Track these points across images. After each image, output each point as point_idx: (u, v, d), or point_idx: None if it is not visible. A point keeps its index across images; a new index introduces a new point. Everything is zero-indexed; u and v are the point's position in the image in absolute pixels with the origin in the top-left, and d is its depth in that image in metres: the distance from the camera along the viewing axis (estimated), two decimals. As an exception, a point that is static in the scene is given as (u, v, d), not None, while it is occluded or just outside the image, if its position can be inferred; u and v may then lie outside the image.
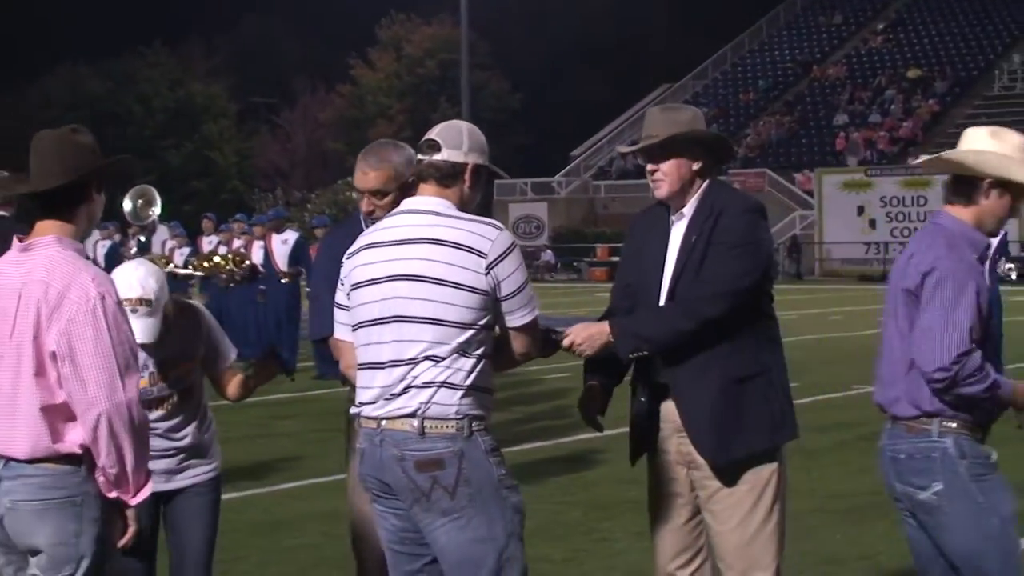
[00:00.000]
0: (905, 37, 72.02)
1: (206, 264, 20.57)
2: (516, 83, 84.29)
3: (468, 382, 4.63)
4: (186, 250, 25.44)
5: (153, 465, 5.63)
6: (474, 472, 4.65)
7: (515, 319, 4.77)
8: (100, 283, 4.49)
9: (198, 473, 5.88)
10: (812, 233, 55.41)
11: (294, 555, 8.66)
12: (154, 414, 5.70)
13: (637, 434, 5.57)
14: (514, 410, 15.29)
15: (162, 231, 27.22)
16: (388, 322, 4.69)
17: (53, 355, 4.39)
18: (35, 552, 4.49)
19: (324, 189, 63.80)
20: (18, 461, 4.46)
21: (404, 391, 4.62)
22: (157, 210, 27.19)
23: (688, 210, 5.41)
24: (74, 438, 4.46)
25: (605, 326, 5.29)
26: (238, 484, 10.25)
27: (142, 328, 5.50)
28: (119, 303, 4.55)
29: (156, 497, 5.64)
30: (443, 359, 4.60)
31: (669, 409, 5.43)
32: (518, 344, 4.82)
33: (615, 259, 53.24)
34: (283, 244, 20.77)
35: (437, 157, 4.92)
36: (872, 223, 54.03)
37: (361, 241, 4.91)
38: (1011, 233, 39.96)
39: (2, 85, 77.68)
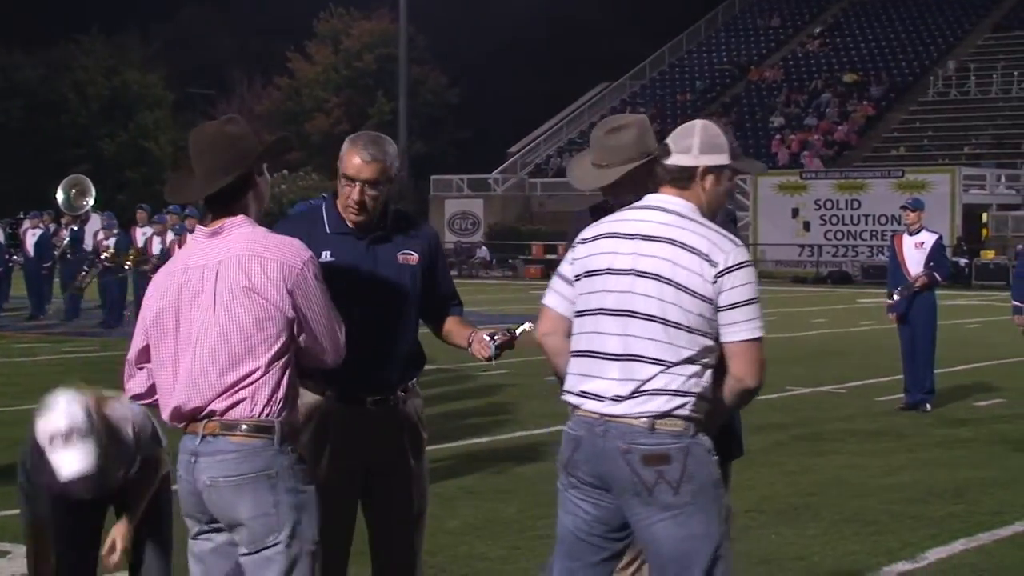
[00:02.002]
0: (842, 41, 72.55)
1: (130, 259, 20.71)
2: (454, 78, 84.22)
3: (693, 386, 4.73)
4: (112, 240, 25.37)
5: None
6: (698, 469, 4.74)
7: (733, 333, 4.76)
8: (301, 245, 4.76)
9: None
10: (747, 235, 55.61)
11: None
12: None
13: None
14: (450, 406, 15.25)
15: (95, 221, 27.05)
16: (618, 315, 4.78)
17: (282, 317, 4.62)
18: (236, 525, 4.63)
19: (260, 181, 63.46)
20: (215, 435, 4.61)
21: (636, 388, 4.72)
22: (91, 200, 27.09)
23: None
24: (274, 406, 4.64)
25: None
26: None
27: (75, 458, 5.11)
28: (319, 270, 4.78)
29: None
30: (671, 362, 4.70)
31: None
32: (735, 364, 4.78)
33: (550, 257, 53.18)
34: None
35: (667, 161, 4.96)
36: (806, 225, 54.30)
37: (601, 228, 4.95)
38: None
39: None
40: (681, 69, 75.42)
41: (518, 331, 5.67)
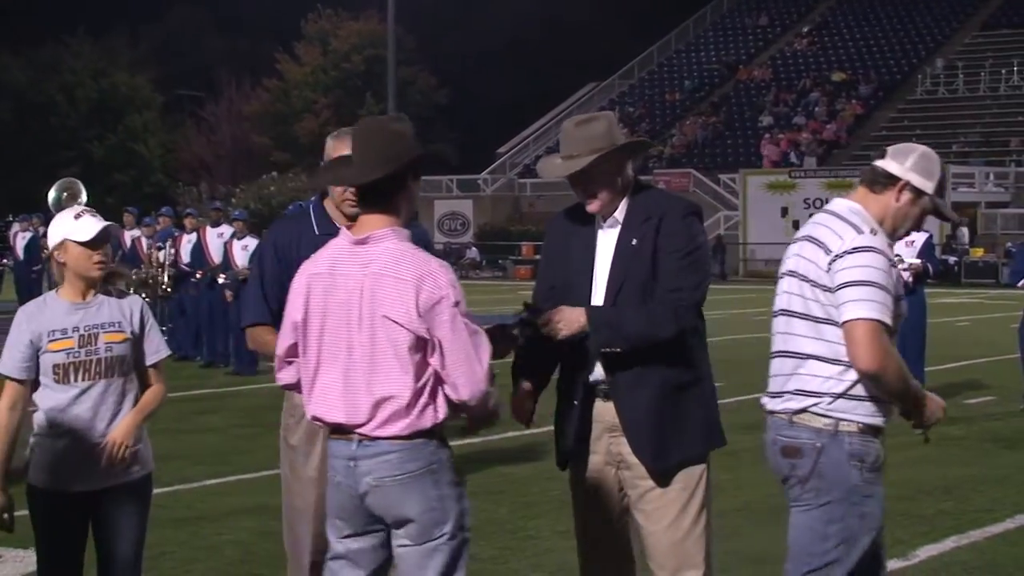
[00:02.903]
0: (830, 40, 72.73)
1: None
2: (443, 79, 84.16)
3: (833, 385, 4.97)
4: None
5: (80, 462, 5.61)
6: (830, 470, 4.97)
7: (840, 313, 4.89)
8: (446, 271, 4.73)
9: (129, 472, 5.71)
10: (736, 234, 55.72)
11: (220, 551, 8.60)
12: (82, 397, 5.61)
13: (568, 435, 5.56)
14: None
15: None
16: (778, 315, 5.18)
17: (417, 340, 4.62)
18: (404, 522, 4.72)
19: (249, 183, 63.45)
20: (372, 439, 4.69)
21: (784, 384, 5.09)
22: (83, 202, 27.05)
23: (620, 215, 5.43)
24: (428, 415, 4.73)
25: (582, 313, 5.31)
26: (162, 479, 10.09)
27: (91, 224, 5.71)
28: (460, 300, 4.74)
29: (85, 497, 5.62)
30: (810, 355, 5.00)
31: (600, 410, 5.46)
32: (847, 347, 4.90)
33: (540, 257, 53.32)
34: (218, 238, 20.48)
35: (878, 162, 5.12)
36: (796, 224, 54.23)
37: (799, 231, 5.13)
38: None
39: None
40: (670, 68, 75.52)
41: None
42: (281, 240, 5.66)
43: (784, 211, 54.42)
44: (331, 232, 5.43)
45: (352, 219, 5.40)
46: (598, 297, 5.41)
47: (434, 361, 4.65)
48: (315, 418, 4.82)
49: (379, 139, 4.76)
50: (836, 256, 4.89)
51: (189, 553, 8.51)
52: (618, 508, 5.53)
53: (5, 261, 31.61)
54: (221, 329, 19.91)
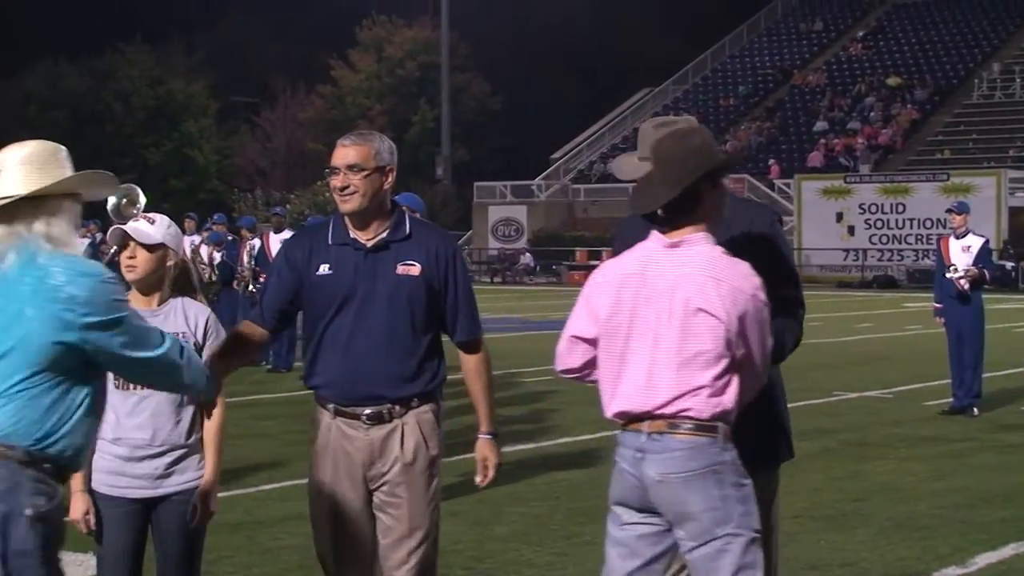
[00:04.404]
0: (885, 45, 72.46)
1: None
2: (496, 85, 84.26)
3: None
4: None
5: (138, 468, 5.64)
6: None
7: None
8: (752, 276, 4.84)
9: (186, 480, 5.72)
10: (792, 239, 55.53)
11: (276, 556, 8.62)
12: (142, 404, 5.61)
13: None
14: (496, 413, 15.20)
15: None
16: None
17: (728, 338, 4.76)
18: (685, 518, 4.80)
19: (304, 189, 63.78)
20: (661, 434, 4.81)
21: None
22: (140, 209, 27.18)
23: None
24: (719, 414, 4.81)
25: None
26: (219, 485, 10.16)
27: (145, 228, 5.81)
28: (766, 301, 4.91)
29: (143, 502, 5.66)
30: None
31: None
32: None
33: (594, 263, 53.20)
34: (280, 244, 20.59)
35: None
36: (851, 230, 54.20)
37: None
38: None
39: (-19, 82, 77.60)
40: (724, 74, 75.48)
41: None
42: (294, 250, 5.69)
43: (839, 216, 54.26)
44: (344, 242, 5.53)
45: (353, 219, 5.52)
46: None
47: (739, 358, 4.83)
48: (616, 412, 4.93)
49: (672, 157, 4.88)
50: None
51: (246, 558, 8.55)
52: None
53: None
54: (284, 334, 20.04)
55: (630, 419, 4.90)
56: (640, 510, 4.90)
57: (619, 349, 4.90)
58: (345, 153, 5.48)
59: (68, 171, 4.39)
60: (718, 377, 4.79)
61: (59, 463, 4.25)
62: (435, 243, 5.57)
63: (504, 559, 8.62)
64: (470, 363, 5.70)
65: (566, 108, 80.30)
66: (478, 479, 5.70)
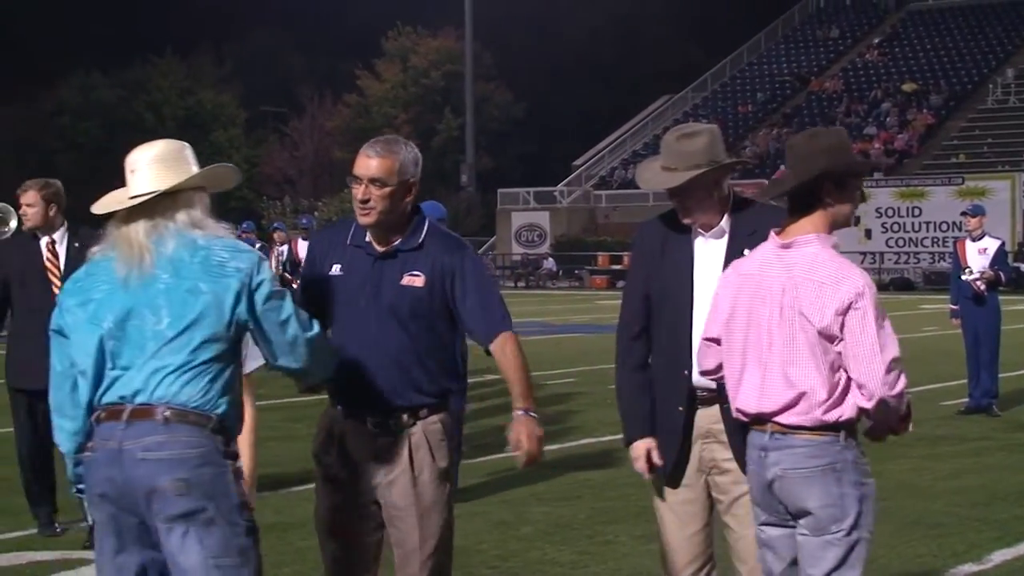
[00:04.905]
0: (900, 51, 72.87)
1: None
2: (519, 94, 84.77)
3: None
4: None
5: None
6: None
7: None
8: (862, 274, 4.91)
9: None
10: (809, 243, 55.99)
11: (305, 555, 8.36)
12: None
13: (676, 444, 5.49)
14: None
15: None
16: None
17: (831, 339, 4.81)
18: (804, 513, 4.92)
19: (331, 197, 64.19)
20: (783, 433, 4.90)
21: None
22: None
23: (726, 225, 5.42)
24: (837, 412, 4.87)
25: None
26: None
27: None
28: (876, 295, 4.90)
29: None
30: None
31: (697, 416, 5.45)
32: None
33: (616, 267, 53.45)
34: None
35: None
36: (868, 233, 54.30)
37: None
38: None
39: (15, 93, 78.28)
40: (742, 81, 75.90)
41: None
42: (318, 248, 5.61)
43: (856, 220, 54.41)
44: (360, 244, 5.37)
45: (370, 230, 5.32)
46: (702, 304, 5.34)
47: (838, 362, 4.85)
48: (738, 410, 5.03)
49: (799, 153, 5.01)
50: None
51: (276, 557, 8.26)
52: (706, 515, 5.53)
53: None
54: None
55: (753, 419, 4.97)
56: (770, 510, 5.00)
57: (739, 349, 4.97)
58: (368, 164, 5.23)
59: (194, 167, 4.69)
60: (830, 378, 4.82)
61: (232, 431, 4.60)
62: (441, 254, 5.33)
63: (528, 558, 8.59)
64: (498, 352, 5.39)
65: (588, 116, 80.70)
66: (515, 454, 5.33)
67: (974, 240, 15.83)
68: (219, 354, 4.51)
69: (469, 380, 11.32)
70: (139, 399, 4.45)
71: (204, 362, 4.48)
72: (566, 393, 17.36)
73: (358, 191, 5.21)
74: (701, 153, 5.30)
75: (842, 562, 4.90)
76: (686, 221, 5.40)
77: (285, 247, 22.35)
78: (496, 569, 8.37)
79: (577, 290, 53.71)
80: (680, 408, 5.42)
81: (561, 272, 59.93)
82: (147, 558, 4.51)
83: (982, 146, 60.25)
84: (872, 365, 4.76)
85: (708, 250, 5.40)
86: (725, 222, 5.39)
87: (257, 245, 23.26)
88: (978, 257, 15.66)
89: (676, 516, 5.55)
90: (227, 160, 78.94)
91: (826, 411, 4.85)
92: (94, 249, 4.71)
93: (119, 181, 4.76)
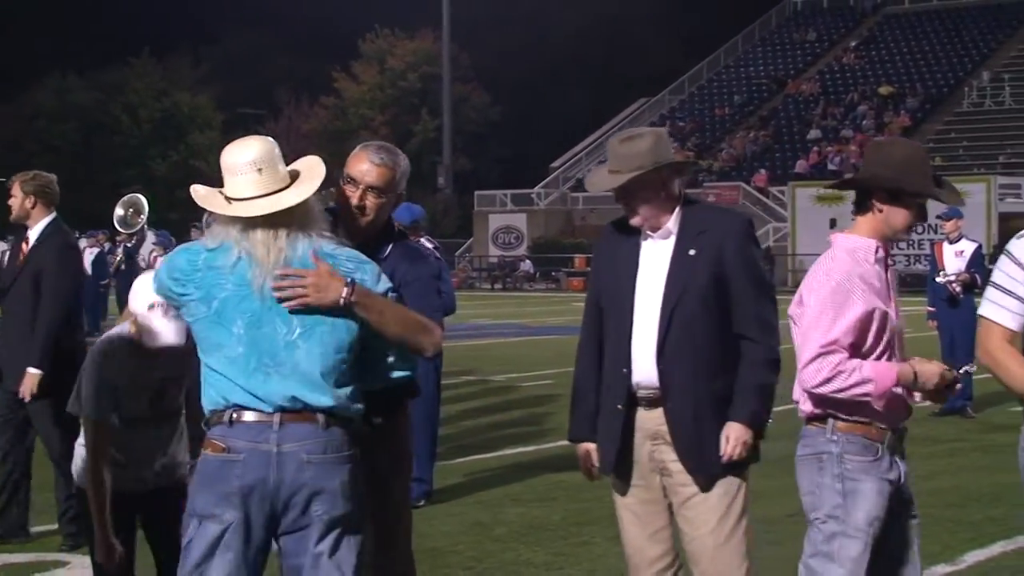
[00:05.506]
0: (877, 54, 73.03)
1: None
2: (496, 96, 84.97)
3: None
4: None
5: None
6: None
7: None
8: (830, 275, 5.13)
9: (177, 476, 5.96)
10: (785, 245, 56.08)
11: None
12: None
13: (613, 443, 5.55)
14: (494, 416, 15.68)
15: (151, 238, 27.91)
16: None
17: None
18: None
19: (308, 199, 64.32)
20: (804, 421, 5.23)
21: None
22: (145, 218, 27.90)
23: (673, 226, 5.45)
24: (819, 403, 5.11)
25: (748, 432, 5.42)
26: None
27: (170, 329, 5.50)
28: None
29: (129, 499, 5.91)
30: None
31: (643, 418, 5.48)
32: None
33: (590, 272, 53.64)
34: None
35: None
36: None
37: None
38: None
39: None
40: (719, 84, 76.01)
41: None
42: None
43: (833, 222, 54.78)
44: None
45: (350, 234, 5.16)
46: (647, 305, 5.42)
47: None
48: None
49: (866, 155, 5.36)
50: None
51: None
52: (666, 514, 5.58)
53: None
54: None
55: None
56: None
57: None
58: (368, 171, 5.22)
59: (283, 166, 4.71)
60: (815, 372, 4.99)
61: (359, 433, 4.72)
62: (400, 262, 5.29)
63: (503, 559, 8.64)
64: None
65: (565, 118, 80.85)
66: None
67: (952, 243, 15.92)
68: (351, 357, 4.59)
69: (444, 382, 11.36)
70: (284, 404, 4.49)
71: (344, 363, 4.57)
72: (543, 395, 17.37)
73: (354, 196, 5.20)
74: (644, 155, 5.35)
75: (817, 551, 5.11)
76: (633, 223, 5.47)
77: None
78: (471, 570, 8.41)
79: (554, 292, 53.91)
80: (619, 407, 5.48)
81: (538, 274, 60.03)
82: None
83: (958, 149, 60.50)
84: (800, 360, 5.01)
85: (654, 251, 5.47)
86: (673, 223, 5.44)
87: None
88: (955, 260, 15.73)
89: (635, 516, 5.61)
90: (205, 162, 79.98)
91: (806, 402, 5.10)
92: (206, 241, 4.62)
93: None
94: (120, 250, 28.73)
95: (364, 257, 4.70)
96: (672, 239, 5.43)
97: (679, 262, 5.38)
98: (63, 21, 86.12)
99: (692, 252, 5.36)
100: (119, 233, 28.24)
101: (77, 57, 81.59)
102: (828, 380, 4.98)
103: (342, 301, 4.53)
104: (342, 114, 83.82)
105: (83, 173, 75.00)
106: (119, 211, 27.31)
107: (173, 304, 4.77)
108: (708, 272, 5.36)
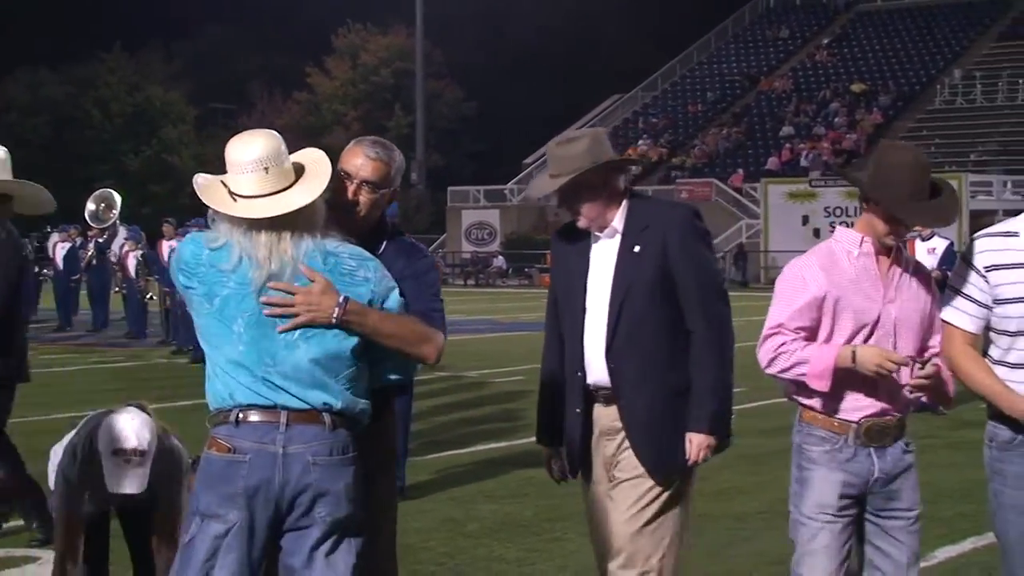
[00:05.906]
0: (849, 52, 73.36)
1: None
2: (470, 92, 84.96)
3: None
4: (139, 252, 26.16)
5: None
6: None
7: None
8: (794, 265, 5.21)
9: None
10: (758, 241, 56.09)
11: None
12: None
13: (576, 442, 5.64)
14: (467, 412, 15.66)
15: (122, 233, 27.76)
16: None
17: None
18: None
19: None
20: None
21: None
22: (117, 213, 27.73)
23: (619, 224, 5.45)
24: (795, 395, 5.26)
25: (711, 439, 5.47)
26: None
27: (132, 479, 5.66)
28: None
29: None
30: None
31: (599, 414, 5.54)
32: None
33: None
34: None
35: None
36: (816, 232, 54.30)
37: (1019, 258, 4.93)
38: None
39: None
40: (692, 80, 76.22)
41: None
42: None
43: (805, 219, 54.89)
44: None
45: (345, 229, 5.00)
46: (597, 304, 5.45)
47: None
48: None
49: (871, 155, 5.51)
50: None
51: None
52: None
53: (45, 272, 31.93)
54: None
55: None
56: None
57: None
58: (363, 165, 5.03)
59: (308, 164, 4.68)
60: (763, 354, 5.13)
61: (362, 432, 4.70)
62: (396, 260, 5.08)
63: (475, 555, 8.66)
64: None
65: (538, 114, 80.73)
66: None
67: (923, 240, 15.98)
68: (360, 360, 4.57)
69: (417, 378, 11.28)
70: (288, 404, 4.46)
71: (354, 367, 4.56)
72: (515, 391, 17.27)
73: (348, 190, 5.06)
74: (582, 156, 5.36)
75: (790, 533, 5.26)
76: (579, 225, 5.47)
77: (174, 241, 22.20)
78: (443, 566, 8.41)
79: (527, 288, 53.88)
80: (578, 410, 5.57)
81: (511, 270, 60.13)
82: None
83: (930, 146, 60.50)
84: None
85: (602, 250, 5.49)
86: (619, 220, 5.45)
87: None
88: (927, 257, 15.70)
89: (599, 511, 5.63)
90: (176, 157, 79.64)
91: (792, 392, 5.23)
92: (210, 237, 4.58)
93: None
94: (92, 245, 28.64)
95: (367, 254, 4.68)
96: (618, 237, 5.45)
97: (624, 259, 5.41)
98: (35, 15, 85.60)
99: (637, 248, 5.38)
100: (91, 228, 28.13)
101: (49, 51, 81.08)
102: (772, 361, 5.09)
103: (334, 320, 4.49)
104: (315, 109, 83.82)
105: (55, 167, 74.48)
106: (91, 206, 27.17)
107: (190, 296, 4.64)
108: (653, 267, 5.37)
